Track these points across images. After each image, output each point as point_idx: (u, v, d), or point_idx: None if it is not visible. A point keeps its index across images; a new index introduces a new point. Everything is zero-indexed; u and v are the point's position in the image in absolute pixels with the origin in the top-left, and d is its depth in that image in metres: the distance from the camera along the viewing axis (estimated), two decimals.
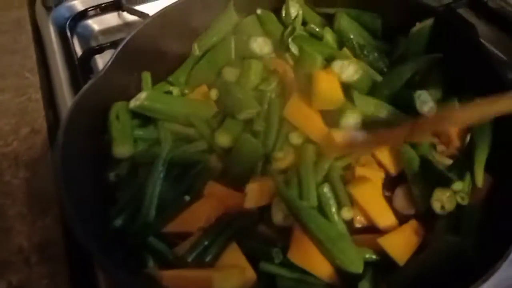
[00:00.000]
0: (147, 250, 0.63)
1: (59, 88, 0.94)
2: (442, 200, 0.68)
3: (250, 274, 0.61)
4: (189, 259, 0.61)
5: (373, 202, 0.68)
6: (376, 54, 0.84)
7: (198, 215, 0.65)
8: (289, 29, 0.86)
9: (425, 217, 0.68)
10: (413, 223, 0.67)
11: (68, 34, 1.03)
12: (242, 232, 0.65)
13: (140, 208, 0.65)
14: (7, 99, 0.95)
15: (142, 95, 0.76)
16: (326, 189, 0.67)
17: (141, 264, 0.62)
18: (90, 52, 0.99)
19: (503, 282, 0.66)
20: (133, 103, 0.75)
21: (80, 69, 0.96)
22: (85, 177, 0.65)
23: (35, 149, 0.87)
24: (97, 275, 0.70)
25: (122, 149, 0.71)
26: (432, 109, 0.75)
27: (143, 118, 0.77)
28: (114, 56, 0.75)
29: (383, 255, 0.62)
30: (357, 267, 0.59)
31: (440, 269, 0.59)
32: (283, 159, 0.72)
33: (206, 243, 0.63)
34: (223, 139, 0.75)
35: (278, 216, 0.65)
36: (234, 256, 0.62)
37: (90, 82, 0.71)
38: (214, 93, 0.80)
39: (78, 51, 1.01)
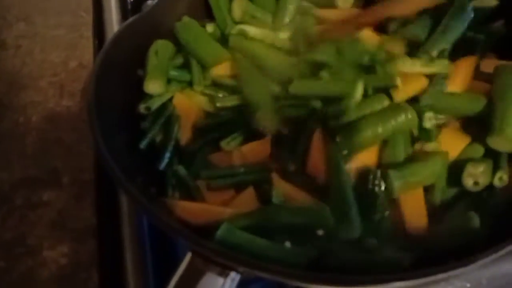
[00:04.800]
0: (168, 180, 0.66)
1: (110, 28, 0.97)
2: (476, 175, 0.62)
3: None
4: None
5: None
6: None
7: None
8: None
9: None
10: None
11: None
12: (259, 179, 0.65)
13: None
14: (61, 34, 1.00)
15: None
16: None
17: (158, 194, 0.64)
18: None
19: None
20: None
21: (131, 12, 0.99)
22: (116, 103, 0.67)
23: (80, 82, 0.91)
24: (120, 204, 0.74)
25: (153, 85, 0.72)
26: None
27: (181, 60, 0.78)
28: None
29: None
30: None
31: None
32: None
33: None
34: None
35: None
36: (248, 199, 0.63)
37: (134, 17, 0.73)
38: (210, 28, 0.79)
39: None
